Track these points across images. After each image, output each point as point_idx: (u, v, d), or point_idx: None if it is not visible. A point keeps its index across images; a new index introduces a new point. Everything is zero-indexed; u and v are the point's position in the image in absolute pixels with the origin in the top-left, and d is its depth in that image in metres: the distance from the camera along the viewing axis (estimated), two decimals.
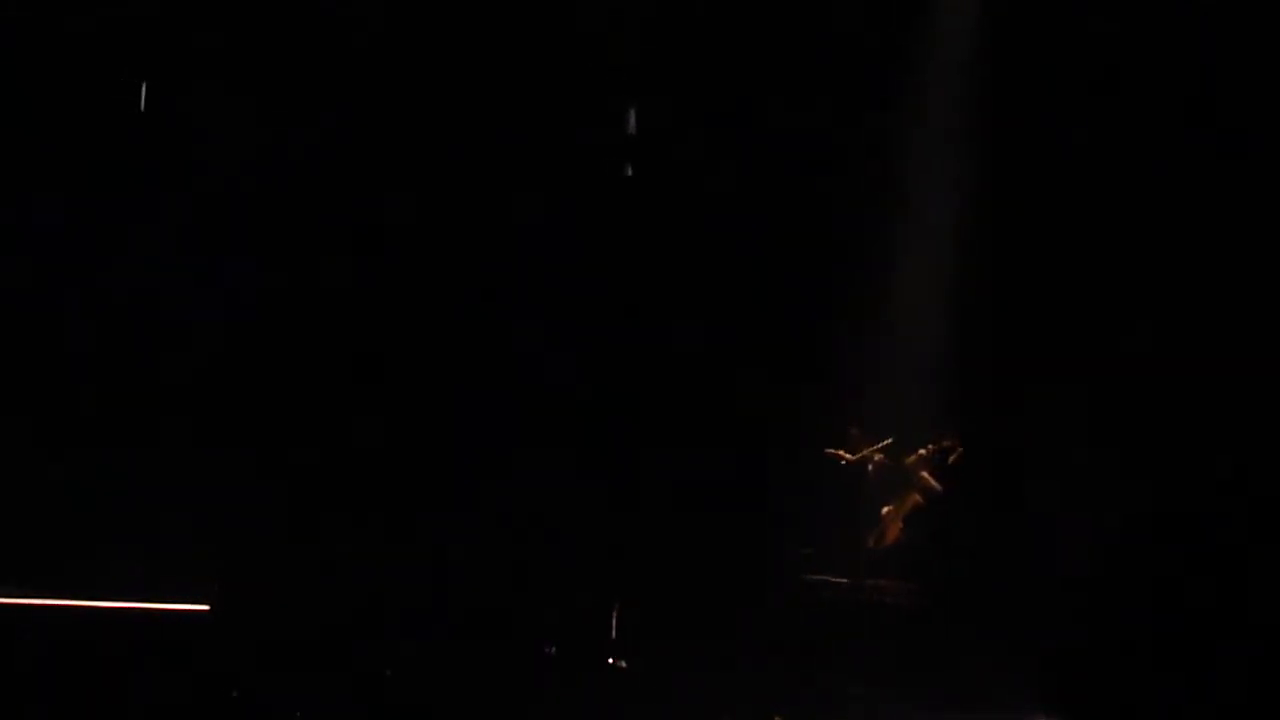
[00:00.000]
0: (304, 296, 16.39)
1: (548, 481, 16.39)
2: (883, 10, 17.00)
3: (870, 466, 16.35)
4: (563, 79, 17.03)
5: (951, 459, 16.07)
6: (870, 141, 17.11)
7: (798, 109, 17.01)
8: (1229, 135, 15.70)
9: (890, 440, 16.25)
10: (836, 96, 17.02)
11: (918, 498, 16.16)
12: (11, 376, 15.81)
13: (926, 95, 17.00)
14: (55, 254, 16.05)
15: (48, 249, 16.07)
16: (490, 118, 16.80)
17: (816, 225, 17.18)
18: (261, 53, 16.42)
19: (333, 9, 16.53)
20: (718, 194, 17.05)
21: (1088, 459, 15.80)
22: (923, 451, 16.22)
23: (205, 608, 14.02)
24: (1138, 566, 15.24)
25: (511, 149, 16.80)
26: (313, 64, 16.48)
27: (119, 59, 16.40)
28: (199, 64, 16.41)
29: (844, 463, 16.24)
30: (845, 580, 16.08)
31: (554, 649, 15.43)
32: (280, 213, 16.36)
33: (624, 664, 15.58)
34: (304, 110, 16.42)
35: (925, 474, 16.14)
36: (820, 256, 17.17)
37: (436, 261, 16.66)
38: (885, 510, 16.34)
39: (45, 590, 13.84)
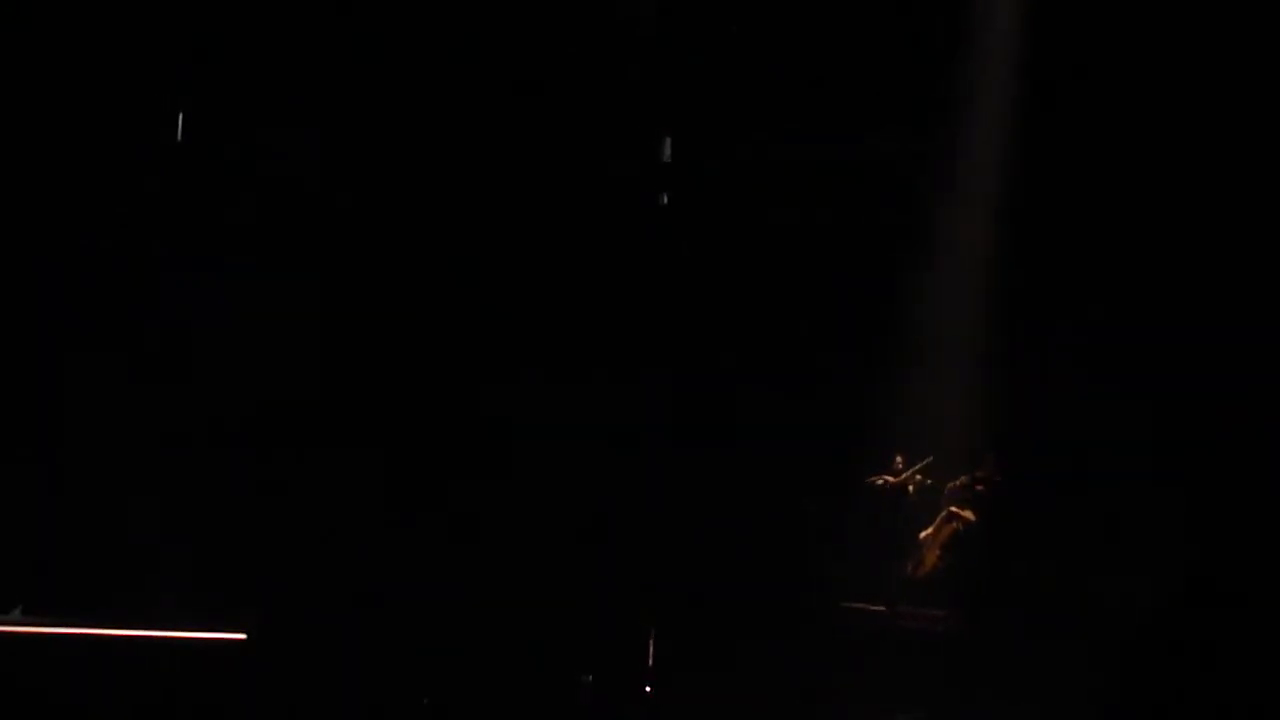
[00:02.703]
0: (342, 327, 16.43)
1: (585, 511, 16.39)
2: (916, 33, 16.97)
3: (909, 493, 16.33)
4: (598, 107, 17.04)
5: (989, 487, 15.99)
6: (907, 167, 17.07)
7: (832, 135, 17.01)
8: None
9: (930, 459, 16.21)
10: (870, 121, 17.01)
11: (955, 526, 16.11)
12: (44, 407, 15.90)
13: (964, 121, 16.98)
14: (94, 284, 16.18)
15: (92, 279, 16.23)
16: (526, 147, 16.81)
17: (856, 253, 17.14)
18: (301, 84, 16.51)
19: (368, 41, 16.58)
20: (752, 222, 17.03)
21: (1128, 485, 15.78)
22: (962, 480, 16.16)
23: (242, 636, 14.02)
24: (1178, 592, 15.18)
25: (548, 179, 16.81)
26: (348, 94, 16.55)
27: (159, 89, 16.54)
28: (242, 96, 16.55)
29: (883, 484, 16.24)
30: (883, 608, 16.04)
31: (591, 677, 15.41)
32: (315, 245, 16.44)
33: (660, 692, 15.56)
34: (338, 140, 16.49)
35: (963, 502, 16.08)
36: (860, 282, 17.12)
37: (471, 290, 16.67)
38: (922, 537, 16.29)
39: (83, 618, 13.87)
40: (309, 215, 16.42)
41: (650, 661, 16.03)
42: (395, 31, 16.67)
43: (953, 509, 16.11)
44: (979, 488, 16.00)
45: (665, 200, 17.45)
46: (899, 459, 16.47)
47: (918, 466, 16.28)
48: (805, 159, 17.09)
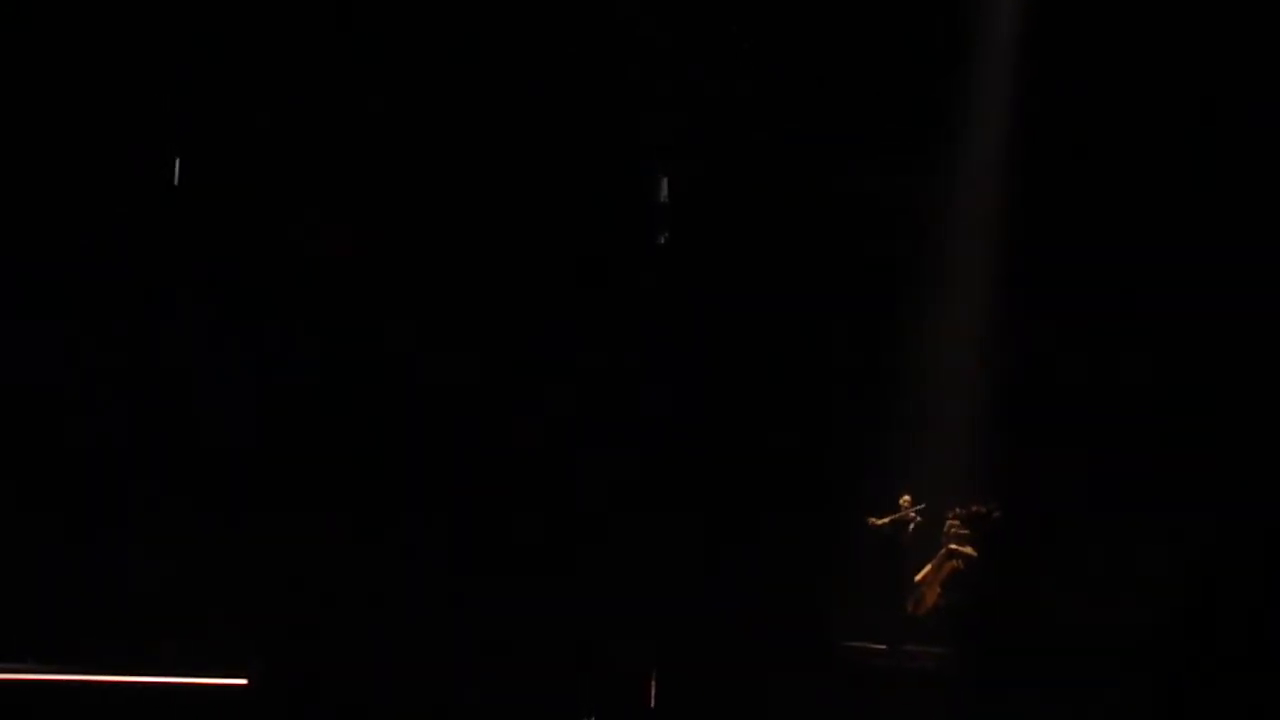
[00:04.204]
0: (339, 370, 16.45)
1: (584, 551, 16.41)
2: (915, 68, 17.01)
3: (908, 530, 16.34)
4: (596, 146, 17.08)
5: (988, 522, 15.99)
6: (906, 204, 17.10)
7: (832, 171, 17.05)
8: None
9: (923, 505, 16.24)
10: (869, 158, 17.04)
11: (956, 562, 16.09)
12: (43, 455, 15.94)
13: (962, 157, 17.01)
14: (94, 331, 16.23)
15: (88, 325, 16.27)
16: (523, 185, 16.85)
17: (857, 290, 17.16)
18: (296, 127, 16.57)
19: (368, 84, 16.63)
20: (751, 260, 17.07)
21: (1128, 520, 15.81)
22: (958, 512, 16.14)
23: (244, 682, 14.06)
24: (1181, 628, 15.21)
25: (546, 219, 16.84)
26: (347, 140, 16.59)
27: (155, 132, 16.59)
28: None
29: (876, 526, 16.24)
30: (884, 646, 16.04)
31: (593, 718, 15.41)
32: (311, 287, 16.50)
33: None
34: (335, 186, 16.54)
35: (962, 539, 16.07)
36: (860, 319, 17.14)
37: (471, 330, 16.70)
38: (922, 575, 16.28)
39: (87, 667, 13.92)
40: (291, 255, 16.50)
41: (652, 703, 16.03)
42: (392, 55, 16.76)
43: (953, 546, 16.10)
44: (978, 524, 15.97)
45: (664, 240, 17.48)
46: (905, 497, 16.48)
47: (907, 511, 16.30)
48: (804, 187, 17.11)
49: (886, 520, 16.38)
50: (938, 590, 16.17)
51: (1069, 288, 16.50)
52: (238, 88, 16.49)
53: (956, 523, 16.11)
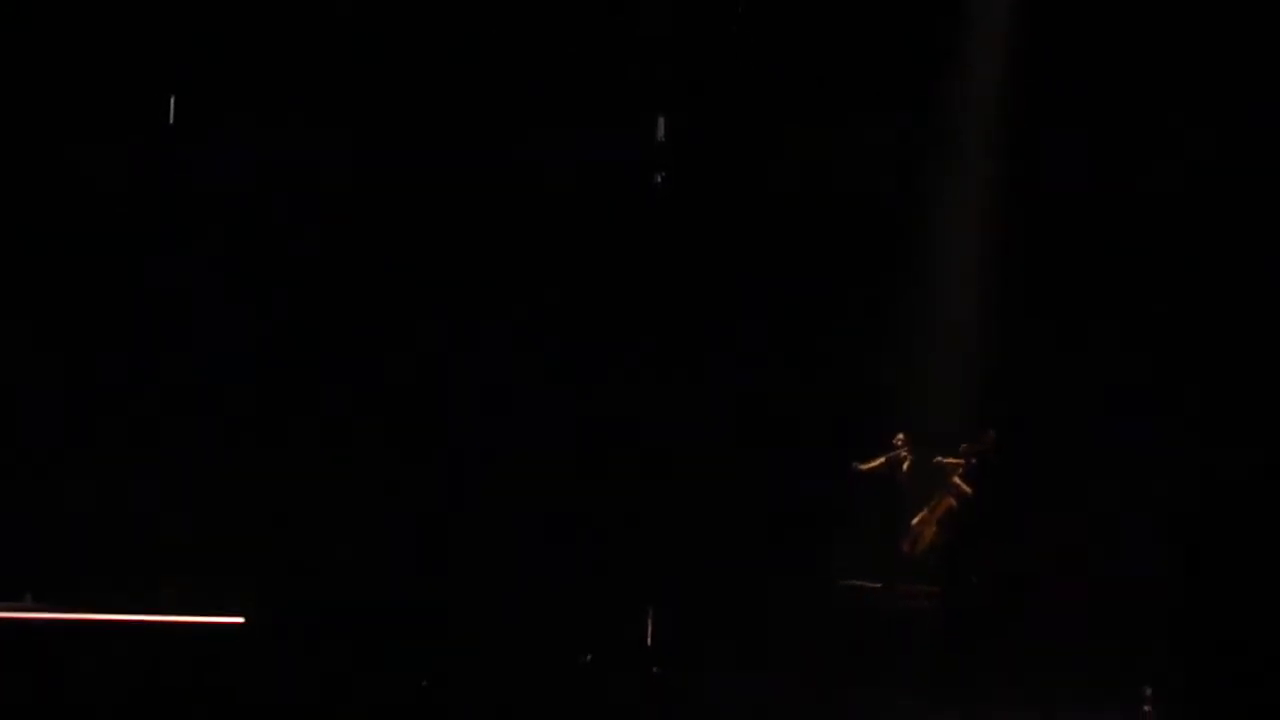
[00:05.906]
0: (339, 312, 16.49)
1: (584, 489, 16.46)
2: (912, 16, 17.00)
3: (903, 469, 16.38)
4: (594, 87, 17.07)
5: (982, 459, 15.99)
6: (903, 145, 17.10)
7: (829, 116, 17.04)
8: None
9: (903, 446, 16.31)
10: (868, 102, 17.02)
11: (951, 501, 16.11)
12: (42, 392, 15.99)
13: (957, 98, 17.03)
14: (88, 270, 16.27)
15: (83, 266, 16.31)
16: (522, 126, 16.83)
17: (851, 230, 17.16)
18: (294, 72, 16.56)
19: (367, 32, 16.63)
20: (748, 200, 17.07)
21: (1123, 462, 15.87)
22: (963, 446, 16.13)
23: (240, 620, 14.13)
24: (1179, 564, 15.27)
25: (545, 157, 16.83)
26: (346, 81, 16.59)
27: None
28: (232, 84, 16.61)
29: (865, 470, 16.31)
30: (880, 585, 16.09)
31: (590, 656, 15.48)
32: (308, 230, 16.52)
33: (660, 671, 15.64)
34: (339, 127, 16.54)
35: (957, 477, 16.09)
36: (854, 262, 17.14)
37: (467, 272, 16.74)
38: (919, 516, 16.31)
39: (88, 605, 14.01)
40: (304, 192, 16.48)
41: (649, 640, 16.11)
42: (391, 12, 16.73)
43: (947, 484, 16.12)
44: (973, 462, 15.97)
45: (659, 180, 17.48)
46: (900, 436, 16.51)
47: (905, 448, 16.38)
48: (803, 139, 17.10)
49: (880, 461, 16.42)
50: (934, 528, 16.20)
51: (1068, 236, 16.56)
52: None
53: (950, 461, 16.11)
